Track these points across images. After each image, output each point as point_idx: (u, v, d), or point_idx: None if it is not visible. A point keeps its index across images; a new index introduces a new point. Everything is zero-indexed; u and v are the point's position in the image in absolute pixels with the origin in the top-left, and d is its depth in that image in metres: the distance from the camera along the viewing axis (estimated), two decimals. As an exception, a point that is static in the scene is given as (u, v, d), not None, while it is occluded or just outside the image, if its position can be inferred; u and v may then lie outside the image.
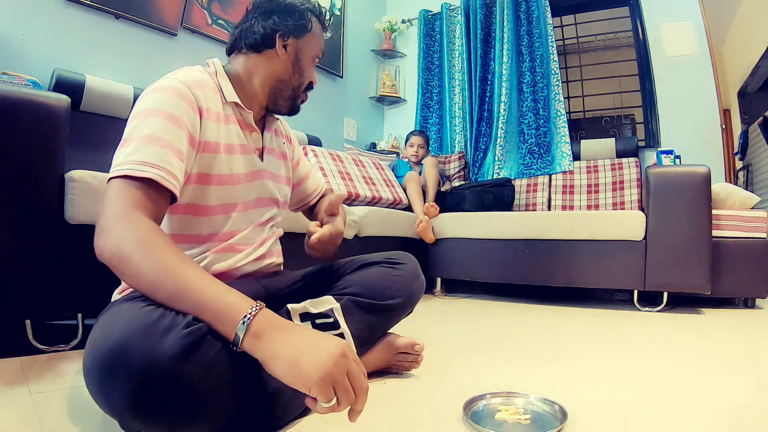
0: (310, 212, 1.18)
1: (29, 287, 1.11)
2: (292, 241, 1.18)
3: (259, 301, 0.60)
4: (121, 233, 0.63)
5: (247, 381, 0.64)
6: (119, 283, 0.84)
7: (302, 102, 1.00)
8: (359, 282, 0.94)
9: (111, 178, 0.69)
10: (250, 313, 0.58)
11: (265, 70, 0.93)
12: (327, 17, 1.01)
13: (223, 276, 0.86)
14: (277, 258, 1.01)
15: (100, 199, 1.15)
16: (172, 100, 0.76)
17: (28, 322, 1.14)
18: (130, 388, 0.54)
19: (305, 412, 0.78)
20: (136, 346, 0.55)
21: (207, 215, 0.85)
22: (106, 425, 0.72)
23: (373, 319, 0.93)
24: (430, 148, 3.22)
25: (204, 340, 0.59)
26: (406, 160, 3.12)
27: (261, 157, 0.95)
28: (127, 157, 0.69)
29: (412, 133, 3.12)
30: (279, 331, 0.58)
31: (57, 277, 1.15)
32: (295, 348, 0.56)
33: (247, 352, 0.58)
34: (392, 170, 3.09)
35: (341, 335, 0.85)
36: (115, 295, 0.83)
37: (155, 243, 0.63)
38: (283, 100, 0.96)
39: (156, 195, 0.70)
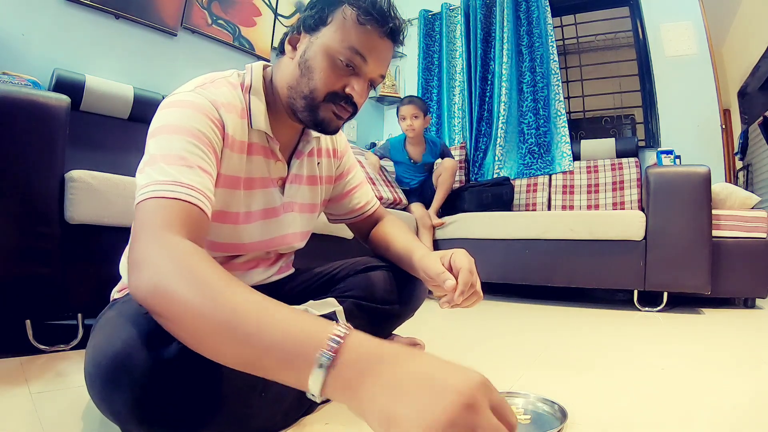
0: (356, 228, 1.05)
1: (29, 287, 1.11)
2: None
3: (344, 324, 0.42)
4: (157, 263, 0.50)
5: (252, 386, 0.64)
6: (118, 282, 0.84)
7: (337, 117, 0.77)
8: (362, 285, 0.93)
9: (138, 203, 0.59)
10: (329, 350, 0.39)
11: (278, 75, 0.80)
12: (370, 3, 0.72)
13: None
14: (286, 272, 0.98)
15: (100, 199, 1.16)
16: (197, 118, 0.67)
17: (28, 322, 1.13)
18: (134, 396, 0.53)
19: (307, 412, 0.78)
20: (139, 353, 0.54)
21: (212, 251, 0.79)
22: (106, 425, 0.72)
23: (376, 323, 0.92)
24: (435, 119, 2.88)
25: None
26: (398, 135, 2.77)
27: (283, 188, 0.84)
28: (151, 179, 0.60)
29: (401, 103, 2.68)
30: (376, 367, 0.38)
31: (57, 277, 1.14)
32: (395, 391, 0.36)
33: (329, 390, 0.40)
34: (386, 154, 2.80)
35: None
36: (114, 293, 0.83)
37: (198, 271, 0.49)
38: (301, 112, 0.77)
39: (196, 217, 0.59)
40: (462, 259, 0.80)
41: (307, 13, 0.76)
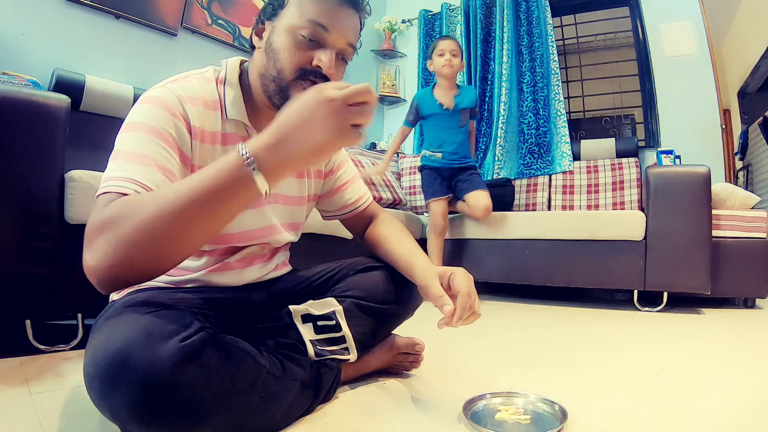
0: (350, 224, 1.05)
1: (29, 287, 1.11)
2: (297, 241, 1.17)
3: (240, 145, 0.57)
4: (101, 240, 0.57)
5: (250, 386, 0.64)
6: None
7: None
8: (362, 285, 0.92)
9: (97, 197, 0.64)
10: (244, 158, 0.56)
11: (251, 68, 0.81)
12: None
13: (223, 289, 0.85)
14: (283, 269, 0.98)
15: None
16: (158, 114, 0.69)
17: (28, 322, 1.13)
18: (133, 396, 0.54)
19: (306, 413, 0.78)
20: (137, 353, 0.54)
21: None
22: (105, 425, 0.72)
23: (375, 323, 0.92)
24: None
25: (207, 347, 0.59)
26: (430, 85, 2.48)
27: None
28: (110, 174, 0.64)
29: (440, 39, 2.42)
30: (274, 143, 0.57)
31: (57, 277, 1.14)
32: (295, 140, 0.57)
33: (273, 181, 0.58)
34: (415, 112, 2.45)
35: (343, 338, 0.85)
36: (113, 295, 0.83)
37: (132, 206, 0.58)
38: (274, 96, 0.77)
39: None
40: (461, 281, 0.79)
41: (266, 3, 0.79)
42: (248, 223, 0.84)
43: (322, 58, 0.73)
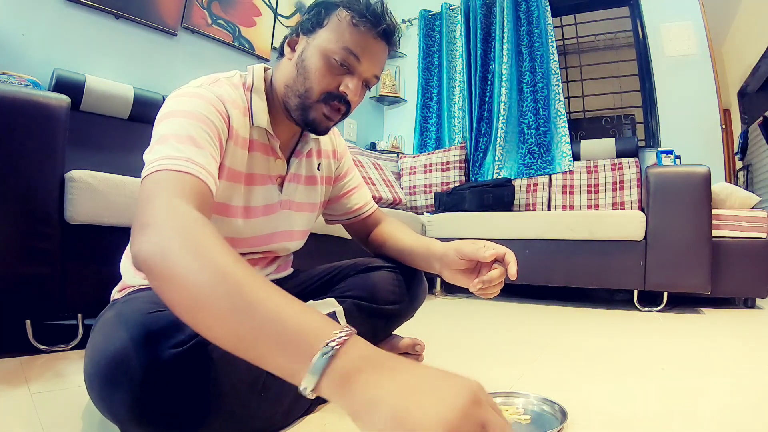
0: (353, 229, 1.06)
1: (29, 287, 1.11)
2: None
3: (347, 326, 0.43)
4: (167, 226, 0.50)
5: (251, 386, 0.64)
6: (118, 282, 0.84)
7: (327, 118, 0.79)
8: (362, 285, 0.93)
9: (148, 175, 0.58)
10: (335, 341, 0.39)
11: (277, 75, 0.82)
12: (364, 6, 0.75)
13: None
14: (285, 270, 0.99)
15: (100, 199, 1.16)
16: (203, 105, 0.69)
17: (28, 322, 1.13)
18: (133, 396, 0.54)
19: (306, 413, 0.78)
20: (137, 353, 0.54)
21: None
22: (105, 425, 0.72)
23: (376, 324, 0.93)
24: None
25: (207, 347, 0.59)
26: None
27: (281, 186, 0.86)
28: (163, 153, 0.60)
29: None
30: (378, 369, 0.38)
31: (57, 277, 1.14)
32: (403, 391, 0.36)
33: (326, 398, 0.39)
34: None
35: None
36: (115, 293, 0.83)
37: (207, 240, 0.48)
38: (294, 111, 0.79)
39: (206, 194, 0.60)
40: (500, 246, 0.82)
41: (305, 17, 0.79)
42: (261, 228, 0.84)
43: (350, 86, 0.76)
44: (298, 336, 0.40)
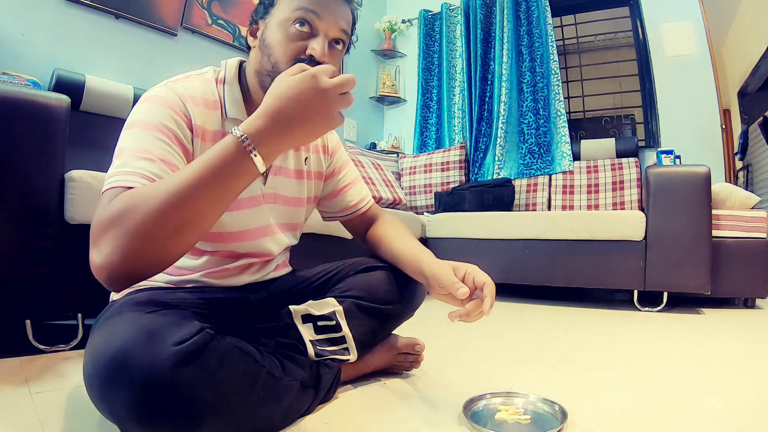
0: (351, 226, 1.06)
1: (29, 287, 1.11)
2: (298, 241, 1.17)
3: (234, 128, 0.59)
4: (110, 235, 0.56)
5: (250, 386, 0.64)
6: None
7: None
8: (362, 285, 0.92)
9: (102, 193, 0.64)
10: (241, 138, 0.58)
11: (248, 67, 0.82)
12: None
13: (222, 289, 0.85)
14: (283, 269, 0.98)
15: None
16: (160, 111, 0.70)
17: (28, 322, 1.13)
18: (133, 396, 0.54)
19: (306, 413, 0.78)
20: (137, 353, 0.54)
21: (201, 240, 0.81)
22: (105, 425, 0.72)
23: (375, 323, 0.92)
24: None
25: (207, 347, 0.59)
26: None
27: (265, 179, 0.86)
28: (115, 170, 0.64)
29: None
30: (270, 128, 0.59)
31: (57, 277, 1.14)
32: (291, 127, 0.60)
33: (269, 161, 0.61)
34: None
35: (343, 338, 0.85)
36: (113, 295, 0.83)
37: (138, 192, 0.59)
38: None
39: None
40: (481, 274, 0.79)
41: (258, 4, 0.81)
42: (246, 222, 0.83)
43: (315, 47, 0.73)
44: (232, 162, 0.58)
